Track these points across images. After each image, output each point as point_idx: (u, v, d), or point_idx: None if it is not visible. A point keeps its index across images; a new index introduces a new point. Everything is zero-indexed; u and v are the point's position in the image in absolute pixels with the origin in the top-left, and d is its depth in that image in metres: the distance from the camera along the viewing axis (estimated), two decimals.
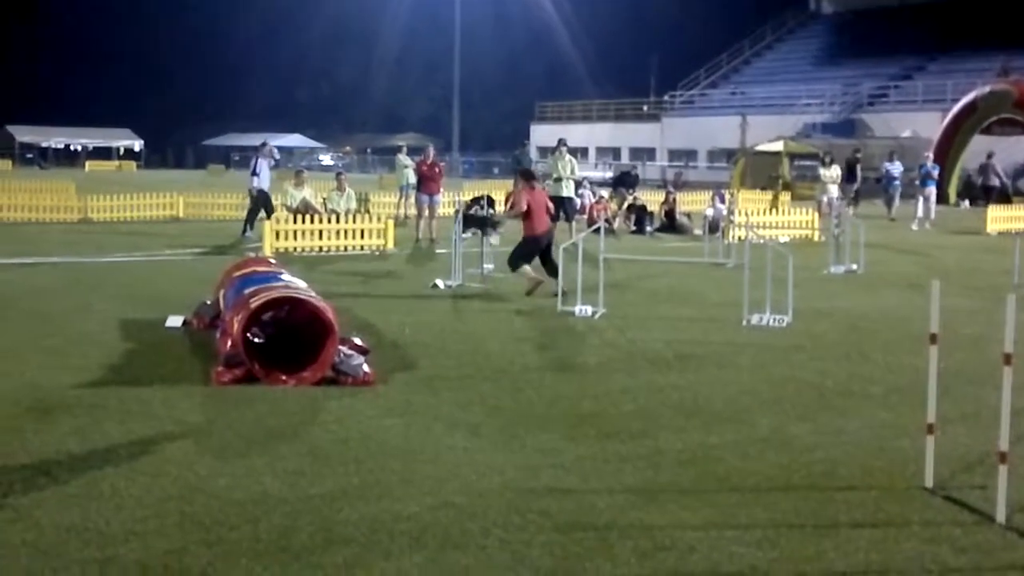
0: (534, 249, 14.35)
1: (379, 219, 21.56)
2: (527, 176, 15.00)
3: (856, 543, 5.47)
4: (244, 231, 22.30)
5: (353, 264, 18.21)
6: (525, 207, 14.25)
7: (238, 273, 11.08)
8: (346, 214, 21.59)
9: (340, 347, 9.05)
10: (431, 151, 24.30)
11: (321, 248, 20.01)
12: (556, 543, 5.39)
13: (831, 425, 7.84)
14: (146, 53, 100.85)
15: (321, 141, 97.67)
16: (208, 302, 11.53)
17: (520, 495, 6.12)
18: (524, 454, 6.99)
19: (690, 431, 7.64)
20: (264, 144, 24.13)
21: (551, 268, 14.34)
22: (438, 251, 20.22)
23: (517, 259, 14.39)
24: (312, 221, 20.38)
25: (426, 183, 23.13)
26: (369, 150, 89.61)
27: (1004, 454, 5.88)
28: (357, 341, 9.68)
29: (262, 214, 22.19)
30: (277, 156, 22.25)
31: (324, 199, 23.56)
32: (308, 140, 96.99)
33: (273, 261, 12.75)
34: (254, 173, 22.93)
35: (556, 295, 13.28)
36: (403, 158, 28.70)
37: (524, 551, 5.28)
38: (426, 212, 22.99)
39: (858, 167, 33.51)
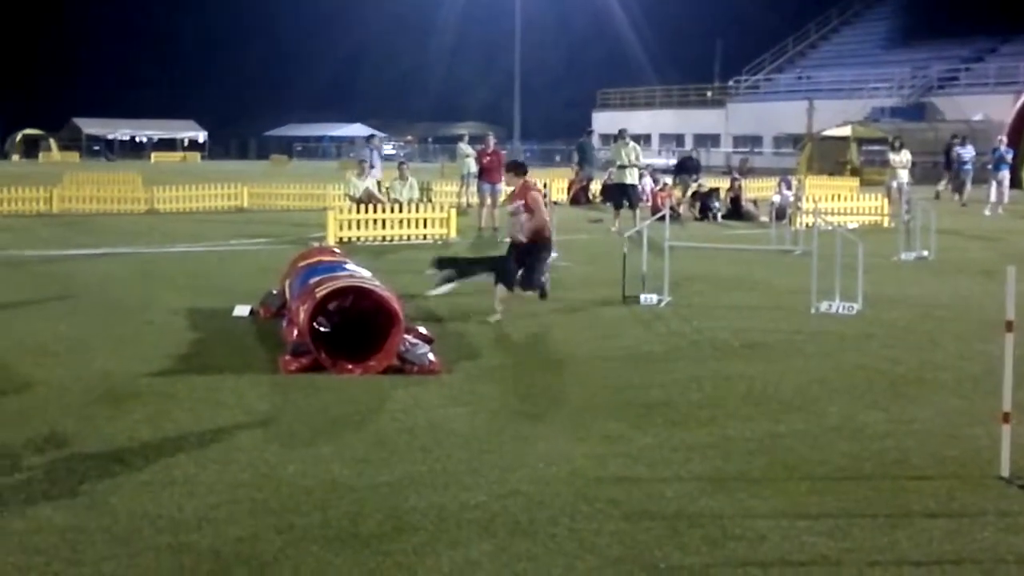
0: (542, 254, 12.04)
1: (441, 208, 21.65)
2: (520, 169, 12.35)
3: (930, 533, 5.43)
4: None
5: (416, 253, 18.29)
6: (543, 206, 11.91)
7: (304, 263, 11.22)
8: (408, 203, 21.70)
9: (405, 336, 9.13)
10: (492, 140, 24.33)
11: (384, 238, 20.14)
12: (624, 532, 5.40)
13: (903, 413, 7.76)
14: (208, 44, 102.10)
15: (382, 130, 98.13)
16: (274, 292, 11.68)
17: (587, 483, 6.14)
18: (590, 443, 7.00)
19: (758, 420, 7.60)
20: (372, 137, 24.81)
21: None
22: (501, 240, 20.25)
23: (507, 273, 11.79)
24: (375, 210, 20.52)
25: (488, 172, 23.16)
26: (430, 139, 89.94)
27: None
28: (422, 330, 9.76)
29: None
30: (383, 151, 23.55)
31: (387, 188, 23.70)
32: (369, 130, 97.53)
33: (337, 251, 12.86)
34: (370, 166, 23.71)
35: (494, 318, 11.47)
36: (464, 147, 28.79)
37: (592, 539, 5.30)
38: (488, 201, 23.04)
39: (954, 152, 32.90)
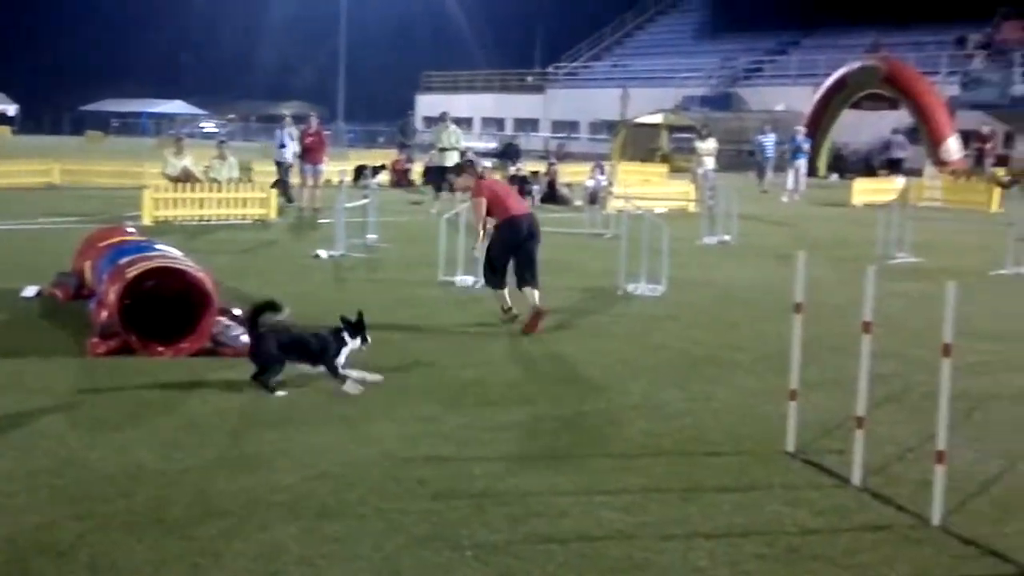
0: (515, 237, 10.42)
1: (262, 188, 21.25)
2: (469, 168, 11.43)
3: (720, 506, 5.63)
4: (290, 200, 23.04)
5: (234, 233, 17.94)
6: (485, 211, 10.51)
7: (106, 243, 10.79)
8: (228, 183, 21.22)
9: (219, 318, 8.94)
10: (314, 120, 24.00)
11: (202, 217, 19.65)
12: (432, 510, 5.43)
13: (700, 392, 8.02)
14: (19, 13, 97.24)
15: (204, 108, 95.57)
16: (68, 272, 11.23)
17: (397, 464, 6.14)
18: (403, 423, 7.00)
19: (566, 399, 7.74)
20: (284, 117, 25.18)
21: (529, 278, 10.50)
22: (321, 221, 20.03)
23: (492, 271, 10.64)
24: (193, 189, 20.00)
25: (310, 152, 22.86)
26: (253, 118, 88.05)
27: (861, 419, 6.09)
28: (237, 312, 9.56)
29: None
30: (293, 133, 23.53)
31: (206, 167, 23.12)
32: (190, 107, 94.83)
33: (133, 230, 12.29)
34: (281, 145, 23.93)
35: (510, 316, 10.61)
36: (287, 130, 28.30)
37: (400, 519, 5.31)
38: (310, 181, 22.74)
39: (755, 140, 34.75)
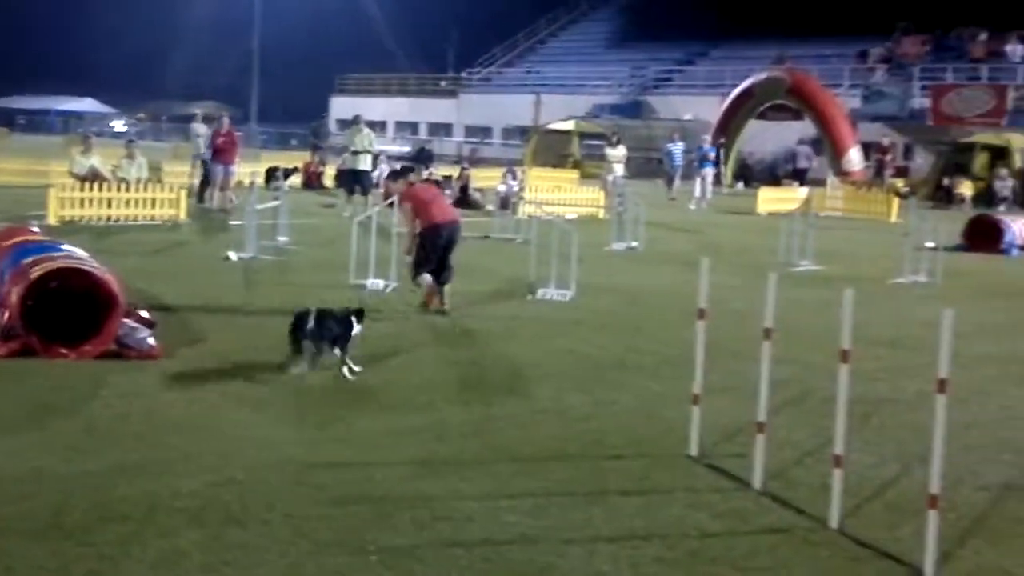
0: (434, 243, 11.28)
1: (171, 189, 20.89)
2: (403, 174, 12.39)
3: (623, 510, 5.66)
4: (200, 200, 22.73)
5: (143, 235, 17.60)
6: (412, 214, 11.30)
7: (9, 242, 10.47)
8: (136, 183, 20.81)
9: (125, 320, 8.75)
10: (226, 121, 23.66)
11: (110, 218, 19.23)
12: (336, 516, 5.37)
13: (605, 396, 8.06)
14: None
15: (115, 107, 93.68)
16: None
17: (302, 469, 6.06)
18: (308, 428, 6.92)
19: (473, 403, 7.72)
20: (222, 117, 24.77)
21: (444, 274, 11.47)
22: (232, 222, 19.73)
23: (416, 265, 11.32)
24: (101, 189, 19.56)
25: (221, 153, 22.52)
26: (164, 118, 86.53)
27: (762, 424, 6.18)
28: (143, 314, 9.38)
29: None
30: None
31: (114, 167, 22.64)
32: (101, 105, 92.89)
33: (37, 230, 11.99)
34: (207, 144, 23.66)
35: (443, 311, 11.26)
36: (197, 127, 27.87)
37: (304, 525, 5.24)
38: (220, 182, 22.40)
39: (721, 151, 36.51)
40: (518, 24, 70.08)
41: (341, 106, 63.85)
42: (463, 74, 68.17)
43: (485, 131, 60.46)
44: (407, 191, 11.61)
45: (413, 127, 64.97)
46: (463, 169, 28.07)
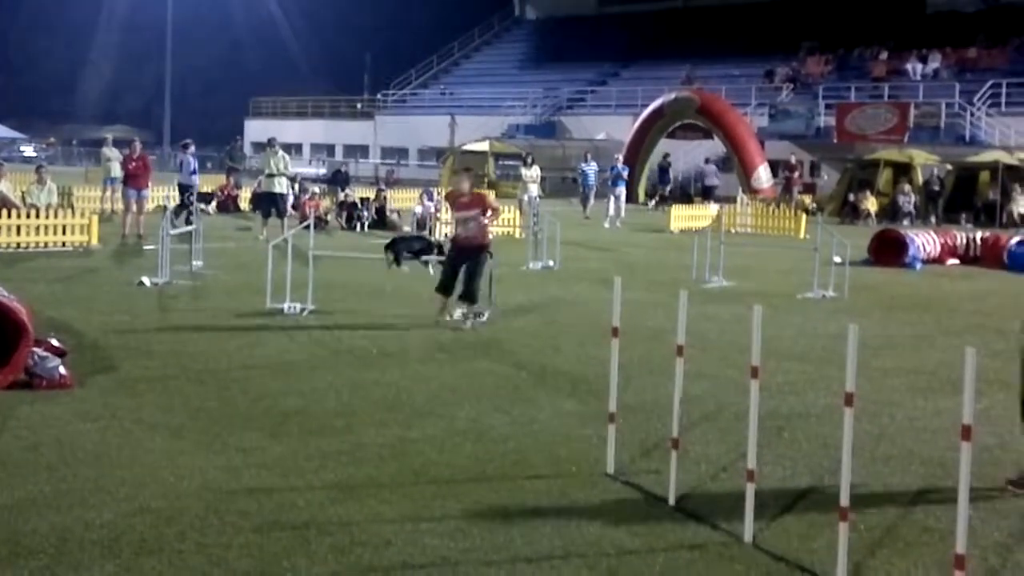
0: (449, 254, 12.56)
1: (83, 214, 20.48)
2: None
3: (542, 530, 5.65)
4: (188, 221, 22.02)
5: (54, 261, 17.22)
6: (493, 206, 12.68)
7: None
8: (46, 208, 20.37)
9: (35, 349, 8.54)
10: (138, 145, 23.23)
11: (19, 244, 18.80)
12: (254, 543, 5.29)
13: (524, 416, 8.06)
14: None
15: (25, 132, 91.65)
16: None
17: (219, 497, 5.96)
18: (226, 455, 6.81)
19: (391, 426, 7.67)
20: (188, 145, 24.90)
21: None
22: (145, 247, 19.41)
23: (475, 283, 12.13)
24: (9, 216, 19.11)
25: (133, 178, 22.13)
26: (75, 142, 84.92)
27: (676, 440, 6.23)
28: (54, 342, 9.15)
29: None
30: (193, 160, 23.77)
31: (23, 192, 22.15)
32: (9, 130, 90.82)
33: None
34: (191, 172, 24.08)
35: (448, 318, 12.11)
36: (108, 151, 27.41)
37: (221, 553, 5.15)
38: (133, 207, 22.02)
39: (669, 170, 39.28)
40: (433, 46, 70.18)
41: (256, 129, 63.36)
42: (379, 96, 68.00)
43: (401, 152, 60.43)
44: (448, 195, 12.78)
45: (329, 149, 64.63)
46: (380, 190, 27.98)
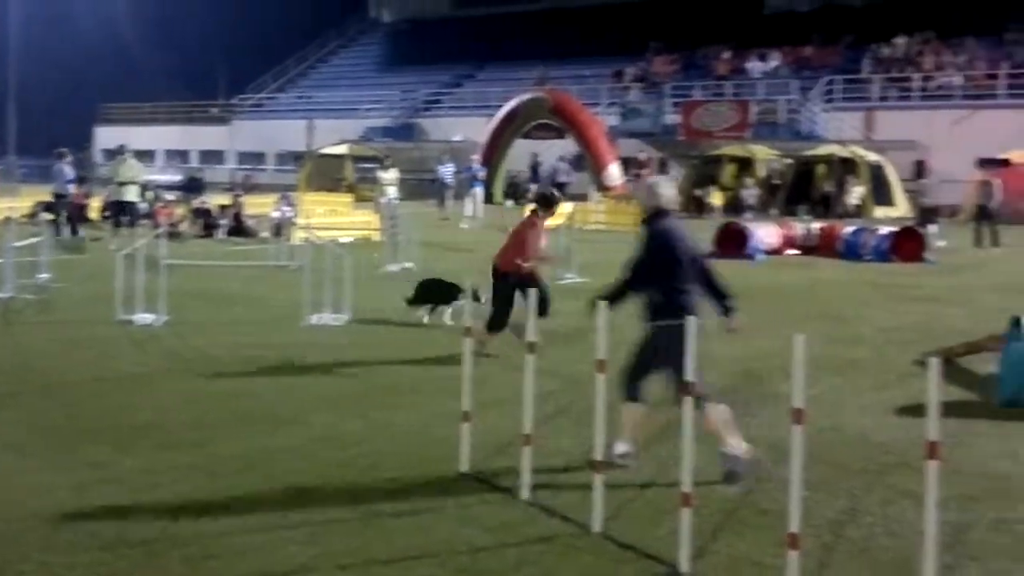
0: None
1: None
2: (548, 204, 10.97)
3: (397, 531, 5.66)
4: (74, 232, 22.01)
5: None
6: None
7: None
8: None
9: None
10: None
11: None
12: (101, 561, 5.15)
13: (381, 419, 8.04)
14: None
15: None
16: None
17: (67, 515, 5.78)
18: (75, 471, 6.61)
19: (249, 436, 7.55)
20: (63, 153, 23.98)
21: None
22: None
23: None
24: None
25: None
26: None
27: (528, 436, 6.30)
28: None
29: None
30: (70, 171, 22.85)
31: None
32: None
33: None
34: (67, 180, 23.30)
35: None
36: None
37: (65, 573, 5.01)
38: None
39: (539, 170, 40.19)
40: (289, 50, 69.23)
41: (107, 136, 61.66)
42: (234, 100, 66.79)
43: (258, 157, 59.43)
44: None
45: (183, 155, 63.11)
46: (236, 196, 27.49)
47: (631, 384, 6.82)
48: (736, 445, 6.64)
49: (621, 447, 6.84)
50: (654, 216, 6.94)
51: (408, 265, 18.07)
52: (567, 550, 5.43)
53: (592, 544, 5.52)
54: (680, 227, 6.93)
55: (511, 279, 10.45)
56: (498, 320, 10.52)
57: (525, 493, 6.17)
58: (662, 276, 6.76)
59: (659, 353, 6.64)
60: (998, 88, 39.33)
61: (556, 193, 11.21)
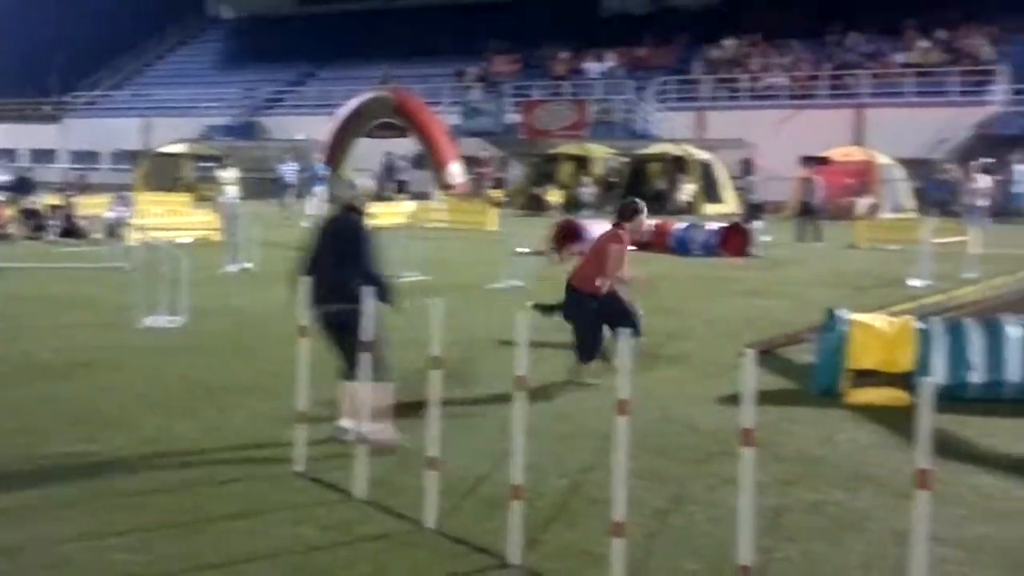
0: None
1: None
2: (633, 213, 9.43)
3: (230, 534, 5.56)
4: None
5: None
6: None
7: None
8: None
9: None
10: None
11: None
12: None
13: (215, 420, 7.88)
14: None
15: None
16: None
17: None
18: None
19: (77, 441, 7.30)
20: None
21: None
22: None
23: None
24: None
25: None
26: None
27: (364, 436, 6.27)
28: None
29: None
30: None
31: None
32: None
33: None
34: None
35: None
36: None
37: None
38: None
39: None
40: (125, 46, 67.05)
41: None
42: (67, 98, 64.31)
43: (92, 156, 57.38)
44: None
45: (11, 154, 60.36)
46: (67, 197, 26.46)
47: (349, 365, 6.97)
48: (374, 428, 6.69)
49: (345, 422, 7.13)
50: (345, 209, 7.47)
51: (247, 265, 17.74)
52: (401, 547, 5.43)
53: (426, 539, 5.53)
54: (354, 223, 7.30)
55: (591, 301, 9.15)
56: (589, 347, 9.22)
57: (360, 492, 6.14)
58: (336, 263, 7.15)
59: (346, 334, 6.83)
60: (820, 89, 40.99)
61: (639, 202, 9.52)
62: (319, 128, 44.69)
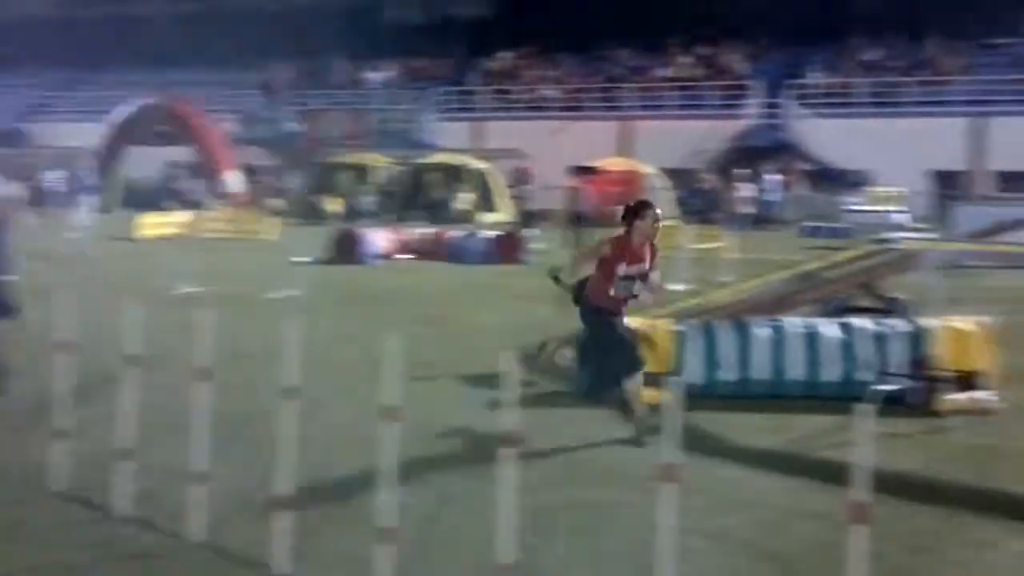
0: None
1: None
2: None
3: None
4: None
5: None
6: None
7: None
8: None
9: None
10: None
11: None
12: None
13: None
14: None
15: None
16: None
17: None
18: None
19: None
20: None
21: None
22: None
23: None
24: None
25: None
26: None
27: (127, 451, 6.07)
28: None
29: None
30: None
31: None
32: None
33: None
34: None
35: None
36: None
37: None
38: None
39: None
40: None
41: None
42: None
43: None
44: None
45: None
46: None
47: None
48: None
49: None
50: None
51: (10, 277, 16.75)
52: (165, 562, 5.31)
53: (192, 554, 5.41)
54: None
55: (606, 314, 8.20)
56: (625, 366, 8.08)
57: (124, 509, 5.94)
58: None
59: None
60: (589, 101, 42.27)
61: (648, 200, 8.91)
62: (91, 135, 42.85)
